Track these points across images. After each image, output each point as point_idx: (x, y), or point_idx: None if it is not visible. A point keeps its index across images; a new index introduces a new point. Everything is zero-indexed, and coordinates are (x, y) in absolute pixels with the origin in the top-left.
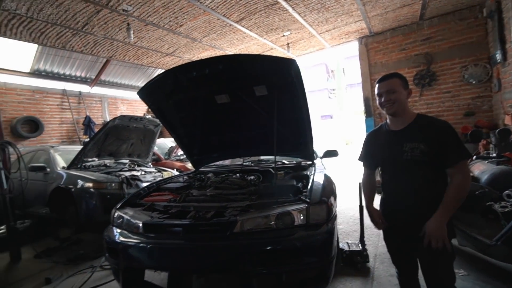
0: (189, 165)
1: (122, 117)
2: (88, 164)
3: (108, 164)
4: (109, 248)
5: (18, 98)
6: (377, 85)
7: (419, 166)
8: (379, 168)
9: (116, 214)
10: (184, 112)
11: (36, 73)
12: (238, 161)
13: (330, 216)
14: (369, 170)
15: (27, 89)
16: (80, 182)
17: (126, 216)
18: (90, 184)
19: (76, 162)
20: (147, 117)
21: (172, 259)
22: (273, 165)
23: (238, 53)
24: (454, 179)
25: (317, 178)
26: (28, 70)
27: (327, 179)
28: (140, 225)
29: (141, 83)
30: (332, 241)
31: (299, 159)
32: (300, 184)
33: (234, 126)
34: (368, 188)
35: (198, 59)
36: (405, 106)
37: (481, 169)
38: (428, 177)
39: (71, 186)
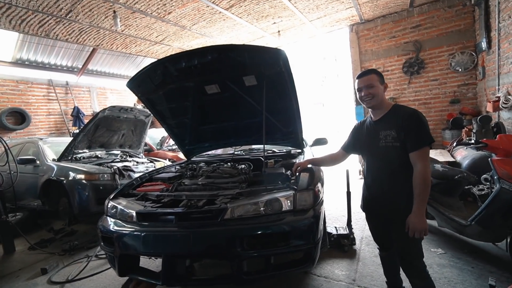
0: (181, 155)
1: (112, 107)
2: (79, 156)
3: (99, 156)
4: (104, 237)
5: (1, 89)
6: (356, 81)
7: (393, 152)
8: (362, 158)
9: (109, 204)
10: (175, 103)
11: (19, 63)
12: (230, 150)
13: (316, 202)
14: (341, 150)
15: (10, 79)
16: (72, 174)
17: (119, 206)
18: (82, 176)
19: (66, 154)
20: (138, 107)
21: (165, 246)
22: (264, 154)
23: (228, 40)
24: (415, 168)
25: None
26: (10, 60)
27: (314, 167)
28: (134, 214)
29: (130, 72)
30: (318, 225)
31: (289, 148)
32: (289, 172)
33: (225, 116)
34: (326, 155)
35: (188, 47)
36: (382, 99)
37: (462, 155)
38: (401, 162)
39: (62, 178)
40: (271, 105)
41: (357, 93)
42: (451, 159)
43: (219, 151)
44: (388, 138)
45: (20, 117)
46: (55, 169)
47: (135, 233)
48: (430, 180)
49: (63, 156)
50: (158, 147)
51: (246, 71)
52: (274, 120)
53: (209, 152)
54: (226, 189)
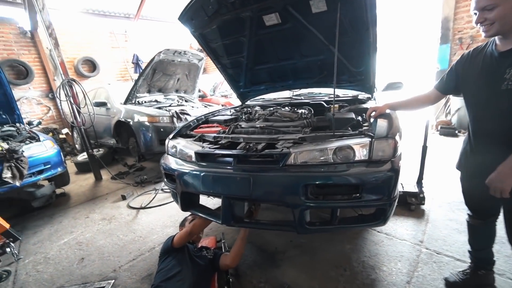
0: (233, 101)
1: (167, 50)
2: (141, 99)
3: (158, 100)
4: (166, 174)
5: (74, 38)
6: None
7: None
8: (465, 102)
9: (169, 143)
10: (229, 38)
11: (84, 12)
12: (286, 95)
13: (395, 154)
14: (434, 90)
15: (80, 29)
16: (136, 116)
17: (179, 146)
18: (145, 118)
19: (130, 98)
20: (190, 51)
21: (225, 187)
22: (326, 98)
23: None
24: None
25: None
26: (80, 9)
27: (392, 113)
28: (193, 154)
29: None
30: (397, 180)
31: (356, 92)
32: (359, 118)
33: (283, 53)
34: (411, 97)
35: None
36: None
37: None
38: None
39: (129, 120)
40: (341, 38)
41: (473, 16)
42: None
43: (274, 96)
44: None
45: (92, 65)
46: (123, 112)
47: (195, 172)
48: None
49: (127, 100)
50: (211, 94)
51: None
52: (343, 57)
53: (264, 96)
54: (286, 133)
